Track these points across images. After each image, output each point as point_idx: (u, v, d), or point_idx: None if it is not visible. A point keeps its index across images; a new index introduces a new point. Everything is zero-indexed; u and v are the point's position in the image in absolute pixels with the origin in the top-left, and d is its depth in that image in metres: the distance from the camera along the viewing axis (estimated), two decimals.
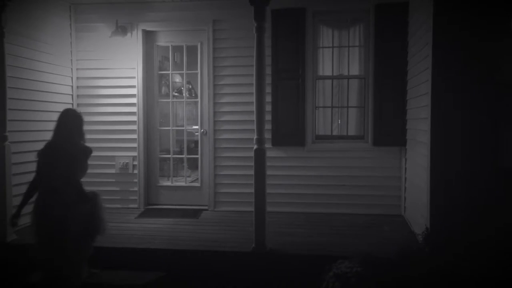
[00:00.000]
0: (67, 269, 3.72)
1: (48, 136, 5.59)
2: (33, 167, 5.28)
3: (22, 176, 5.14)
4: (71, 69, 6.14)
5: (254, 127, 4.20)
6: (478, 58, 3.95)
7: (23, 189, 5.10)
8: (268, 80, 5.30)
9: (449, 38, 3.98)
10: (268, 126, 5.19)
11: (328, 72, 5.98)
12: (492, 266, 3.35)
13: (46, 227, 3.68)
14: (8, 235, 4.59)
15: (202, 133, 6.18)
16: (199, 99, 6.20)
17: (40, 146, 5.43)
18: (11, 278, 4.18)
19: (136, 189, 6.16)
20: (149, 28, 6.09)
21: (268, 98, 5.50)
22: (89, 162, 6.20)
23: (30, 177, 5.24)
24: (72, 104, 6.16)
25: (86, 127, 6.10)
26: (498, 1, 3.90)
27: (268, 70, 5.23)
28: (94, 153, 6.14)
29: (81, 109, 6.18)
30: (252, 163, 4.21)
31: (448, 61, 4.00)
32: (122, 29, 5.98)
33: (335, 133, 6.06)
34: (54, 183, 3.74)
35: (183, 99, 6.38)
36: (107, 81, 6.15)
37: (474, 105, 3.98)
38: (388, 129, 5.63)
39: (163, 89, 6.57)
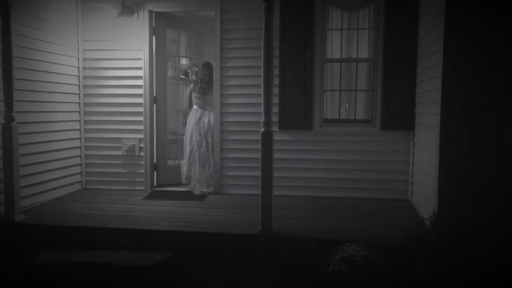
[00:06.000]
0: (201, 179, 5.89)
1: (54, 117, 5.63)
2: (40, 148, 5.34)
3: (28, 157, 5.16)
4: (78, 49, 6.10)
5: (262, 110, 4.16)
6: (489, 42, 3.87)
7: (30, 169, 5.16)
8: (275, 62, 5.23)
9: (462, 21, 3.90)
10: (275, 109, 5.15)
11: (336, 55, 5.90)
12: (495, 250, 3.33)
13: (190, 146, 5.88)
14: (16, 214, 4.62)
15: None
16: None
17: (47, 127, 5.48)
18: (18, 257, 4.21)
19: (142, 171, 6.17)
20: (156, 9, 6.02)
21: (276, 81, 5.44)
22: (95, 144, 6.30)
23: (37, 157, 5.30)
24: (79, 85, 6.14)
25: (92, 109, 6.18)
26: None
27: (276, 53, 5.16)
28: (100, 135, 6.20)
29: (87, 91, 6.19)
30: (259, 147, 4.18)
31: (459, 45, 3.92)
32: (129, 10, 5.91)
33: (343, 117, 6.01)
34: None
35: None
36: (114, 63, 6.11)
37: (485, 88, 3.91)
38: (397, 113, 5.57)
39: (170, 72, 6.53)
